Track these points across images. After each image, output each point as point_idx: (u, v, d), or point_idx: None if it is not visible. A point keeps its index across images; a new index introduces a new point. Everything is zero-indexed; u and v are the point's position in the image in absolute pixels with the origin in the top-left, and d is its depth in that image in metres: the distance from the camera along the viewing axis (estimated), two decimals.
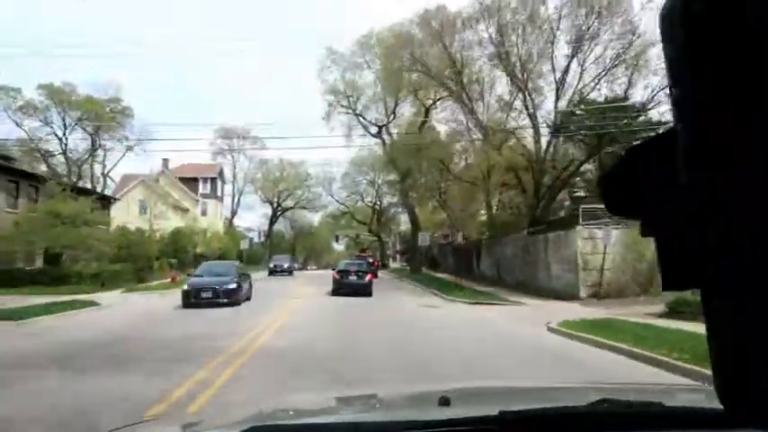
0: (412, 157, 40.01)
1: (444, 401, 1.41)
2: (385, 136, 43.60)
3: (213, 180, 59.93)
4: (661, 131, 0.49)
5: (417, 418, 1.44)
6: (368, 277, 26.88)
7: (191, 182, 59.31)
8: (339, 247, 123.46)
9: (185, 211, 57.20)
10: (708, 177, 0.41)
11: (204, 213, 59.52)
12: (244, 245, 53.15)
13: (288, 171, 70.13)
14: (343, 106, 44.18)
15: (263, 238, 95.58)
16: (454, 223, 43.15)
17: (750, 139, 0.40)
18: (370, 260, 50.80)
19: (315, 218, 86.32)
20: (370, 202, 73.38)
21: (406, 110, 43.06)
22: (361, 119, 45.14)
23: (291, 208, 73.22)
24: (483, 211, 46.57)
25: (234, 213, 72.87)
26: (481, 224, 41.80)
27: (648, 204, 0.48)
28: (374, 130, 44.78)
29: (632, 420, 1.24)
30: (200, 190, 59.63)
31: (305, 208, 73.53)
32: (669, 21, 0.43)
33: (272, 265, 51.64)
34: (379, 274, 44.85)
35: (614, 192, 0.54)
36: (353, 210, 75.88)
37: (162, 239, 43.09)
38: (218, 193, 62.00)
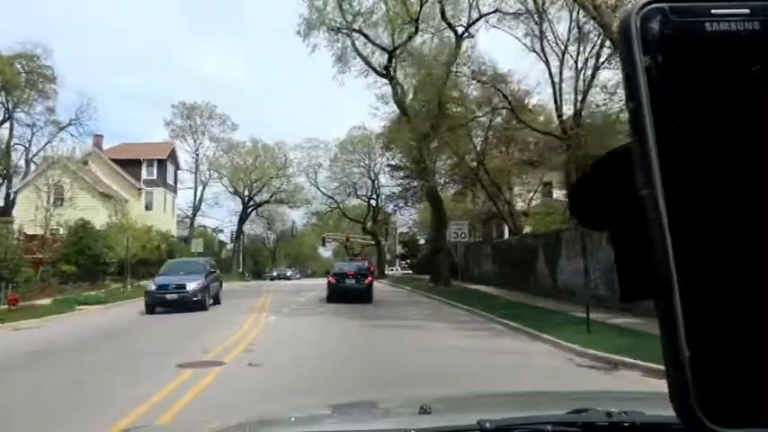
0: (435, 114, 26.45)
1: (425, 410, 1.39)
2: (398, 74, 29.02)
3: (161, 164, 45.90)
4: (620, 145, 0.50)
5: (397, 426, 1.43)
6: (367, 280, 23.13)
7: (131, 166, 45.32)
8: (326, 252, 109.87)
9: (126, 201, 43.14)
10: (662, 189, 0.42)
11: (149, 207, 45.38)
12: (196, 247, 39.09)
13: (262, 156, 56.16)
14: (332, 27, 28.81)
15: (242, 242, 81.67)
16: (500, 211, 29.38)
17: (706, 151, 0.42)
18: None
19: (295, 215, 71.87)
20: (365, 195, 59.58)
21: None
22: (360, 43, 29.77)
23: (267, 202, 59.06)
24: (536, 195, 33.04)
25: (196, 210, 58.81)
26: (538, 216, 28.24)
27: (610, 218, 0.49)
28: (381, 60, 29.48)
29: (611, 429, 1.23)
30: (144, 175, 45.63)
31: (283, 202, 59.43)
32: (625, 37, 0.44)
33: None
34: (376, 283, 31.85)
35: (581, 204, 0.56)
36: (344, 206, 61.96)
37: (64, 240, 29.24)
38: (169, 181, 47.87)
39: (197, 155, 57.04)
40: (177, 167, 50.89)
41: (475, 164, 29.01)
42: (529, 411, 1.57)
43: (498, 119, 26.32)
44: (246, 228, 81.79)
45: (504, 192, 29.22)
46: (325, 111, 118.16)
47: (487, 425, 1.17)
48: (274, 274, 60.26)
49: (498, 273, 29.20)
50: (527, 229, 28.31)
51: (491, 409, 1.50)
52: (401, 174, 58.28)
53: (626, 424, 1.27)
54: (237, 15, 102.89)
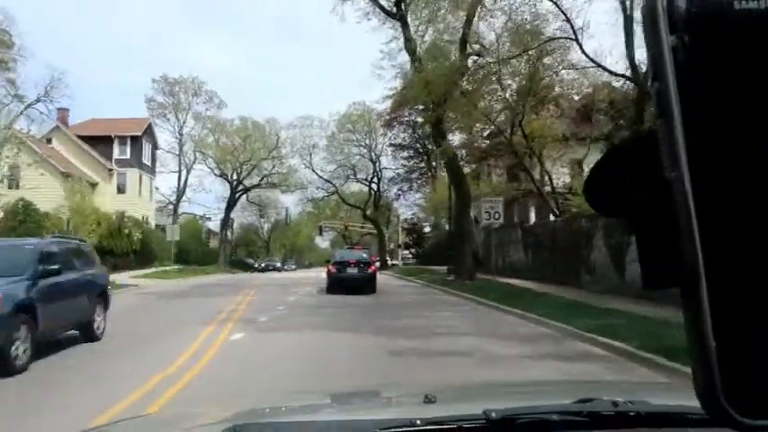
0: (457, 63, 21.13)
1: (429, 399, 1.40)
2: (410, 21, 23.22)
3: (136, 141, 40.43)
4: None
5: (402, 416, 1.37)
6: (370, 269, 21.34)
7: (102, 144, 39.89)
8: (324, 242, 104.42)
9: (94, 185, 37.84)
10: (689, 173, 0.41)
11: (122, 189, 40.01)
12: (172, 235, 33.78)
13: (252, 135, 50.65)
14: None
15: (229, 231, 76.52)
16: (539, 189, 24.02)
17: (734, 133, 0.41)
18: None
19: (289, 201, 66.56)
20: (365, 179, 54.23)
21: None
22: None
23: (257, 186, 53.64)
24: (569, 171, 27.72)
25: (180, 195, 53.39)
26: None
27: (631, 203, 0.49)
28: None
29: (617, 419, 1.24)
30: (116, 154, 40.20)
31: (275, 186, 53.99)
32: (651, 15, 0.43)
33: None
34: (380, 276, 26.98)
35: (598, 191, 0.55)
36: (342, 192, 56.64)
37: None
38: (146, 161, 42.42)
39: (181, 135, 51.55)
40: (155, 146, 45.40)
41: (507, 130, 23.66)
42: (535, 401, 1.60)
43: (546, 60, 20.81)
44: (238, 216, 76.64)
45: (539, 163, 23.92)
46: (322, 84, 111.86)
47: (493, 414, 1.17)
48: (263, 264, 55.20)
49: (531, 263, 24.04)
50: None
51: (497, 399, 1.48)
52: (405, 154, 52.99)
53: (632, 413, 1.27)
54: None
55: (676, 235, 0.42)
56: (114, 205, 38.55)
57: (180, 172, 53.12)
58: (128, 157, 40.46)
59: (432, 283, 24.74)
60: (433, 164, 49.74)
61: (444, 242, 42.45)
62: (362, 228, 73.07)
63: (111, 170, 39.61)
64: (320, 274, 37.63)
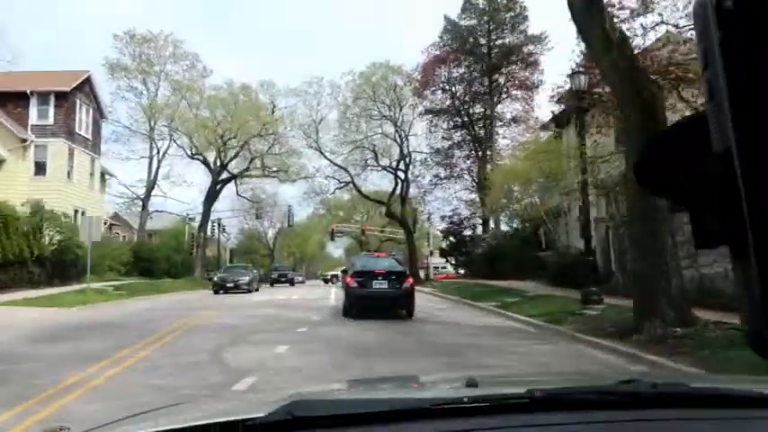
0: None
1: (471, 383, 1.45)
2: None
3: (63, 99, 27.97)
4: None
5: (448, 395, 1.44)
6: (406, 283, 14.88)
7: (15, 104, 27.58)
8: (337, 250, 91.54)
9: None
10: (738, 150, 0.45)
11: (41, 169, 27.64)
12: (88, 235, 21.07)
13: (240, 102, 38.01)
14: None
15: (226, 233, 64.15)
16: None
17: None
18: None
19: (292, 197, 53.55)
20: (390, 167, 41.24)
21: None
22: None
23: (246, 172, 40.83)
24: None
25: (151, 186, 40.90)
26: None
27: (682, 180, 0.54)
28: None
29: (658, 399, 1.26)
30: (33, 119, 27.78)
31: (271, 172, 41.12)
32: (701, 11, 0.47)
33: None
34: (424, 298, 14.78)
35: (650, 172, 0.58)
36: (359, 184, 43.52)
37: None
38: (81, 131, 29.91)
39: (151, 108, 38.99)
40: (101, 114, 32.87)
41: None
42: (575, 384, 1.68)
43: None
44: (237, 220, 64.65)
45: None
46: (333, 44, 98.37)
47: (537, 393, 1.21)
48: (275, 275, 42.97)
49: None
50: None
51: (538, 385, 1.46)
52: (445, 125, 40.08)
53: (671, 394, 1.30)
54: None
55: (725, 202, 0.46)
56: (29, 191, 26.21)
57: (151, 157, 40.72)
58: (50, 122, 27.98)
59: (584, 334, 11.52)
60: (483, 130, 36.95)
61: (508, 248, 29.42)
62: (382, 232, 60.75)
63: (24, 140, 27.17)
64: (328, 291, 25.08)
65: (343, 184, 42.40)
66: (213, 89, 39.42)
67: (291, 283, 42.32)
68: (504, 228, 34.81)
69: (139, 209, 42.43)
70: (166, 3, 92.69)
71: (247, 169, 39.72)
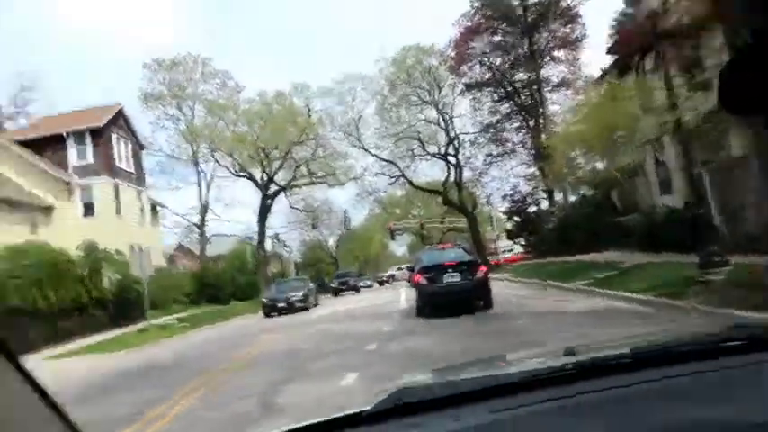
0: None
1: (569, 352, 1.45)
2: None
3: (98, 136, 27.54)
4: None
5: (547, 365, 1.39)
6: (479, 272, 13.71)
7: (53, 148, 27.35)
8: (399, 248, 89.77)
9: (47, 209, 25.50)
10: None
11: (90, 210, 27.27)
12: (141, 269, 20.29)
13: (276, 111, 36.93)
14: None
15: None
16: None
17: None
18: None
19: (344, 199, 52.45)
20: (440, 152, 39.22)
21: None
22: None
23: (293, 183, 39.77)
24: None
25: (204, 211, 40.47)
26: None
27: None
28: None
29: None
30: (73, 160, 27.45)
31: (317, 178, 39.87)
32: None
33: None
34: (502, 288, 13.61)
35: (734, 91, 0.56)
36: (410, 176, 41.59)
37: None
38: (122, 165, 29.47)
39: (191, 133, 38.47)
40: (140, 146, 32.46)
41: None
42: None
43: None
44: (297, 233, 64.05)
45: None
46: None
47: (640, 351, 1.24)
48: (335, 283, 39.81)
49: None
50: None
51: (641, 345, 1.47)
52: (488, 100, 37.64)
53: None
54: None
55: None
56: (82, 234, 25.81)
57: (199, 183, 40.28)
58: (90, 161, 27.60)
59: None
60: (530, 99, 34.39)
61: (579, 218, 26.88)
62: (442, 223, 58.68)
63: (68, 183, 26.87)
64: (393, 295, 23.55)
65: (394, 179, 40.68)
66: (247, 102, 38.62)
67: (356, 289, 38.41)
68: (571, 197, 32.16)
69: (198, 236, 42.18)
70: (188, 23, 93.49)
71: (294, 178, 38.59)
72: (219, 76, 39.29)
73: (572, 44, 34.05)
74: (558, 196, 34.41)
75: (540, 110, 34.39)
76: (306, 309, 23.91)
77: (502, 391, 1.16)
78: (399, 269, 50.24)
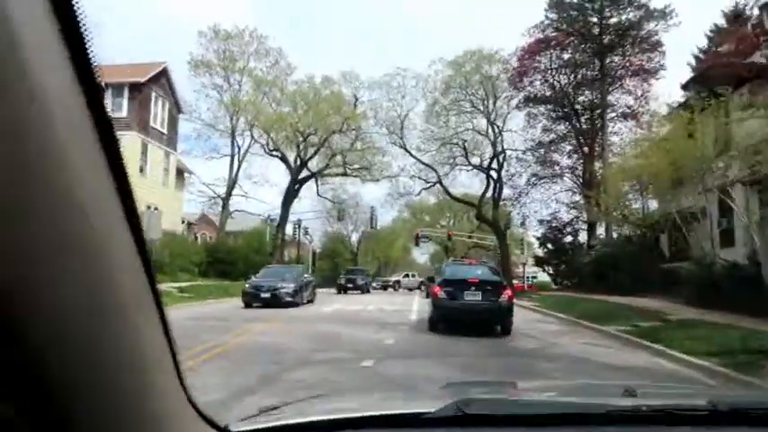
0: None
1: (630, 392, 1.43)
2: None
3: (137, 91, 26.60)
4: None
5: (606, 402, 1.35)
6: (503, 296, 12.79)
7: None
8: (422, 256, 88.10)
9: None
10: None
11: None
12: (148, 229, 19.04)
13: (322, 96, 35.71)
14: None
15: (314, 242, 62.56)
16: None
17: None
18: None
19: (374, 196, 51.38)
20: (482, 164, 37.48)
21: None
22: None
23: (325, 171, 38.44)
24: None
25: (231, 185, 39.48)
26: None
27: None
28: None
29: None
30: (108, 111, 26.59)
31: (348, 173, 38.47)
32: None
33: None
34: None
35: None
36: (447, 184, 39.92)
37: None
38: (157, 125, 28.56)
39: (234, 104, 37.51)
40: (178, 109, 31.55)
41: None
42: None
43: None
44: (321, 222, 63.10)
45: None
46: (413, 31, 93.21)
47: (720, 405, 1.16)
48: (342, 280, 36.88)
49: None
50: None
51: (698, 398, 1.41)
52: (545, 115, 35.63)
53: None
54: None
55: None
56: None
57: (232, 156, 39.31)
58: (123, 114, 26.68)
59: None
60: (589, 123, 32.28)
61: (624, 258, 24.76)
62: (470, 238, 56.99)
63: None
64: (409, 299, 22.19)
65: (429, 185, 39.02)
66: (294, 84, 37.49)
67: (365, 290, 35.13)
68: (613, 234, 30.03)
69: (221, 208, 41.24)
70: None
71: (327, 166, 37.28)
72: (273, 55, 38.38)
73: (646, 73, 31.79)
74: (600, 230, 32.29)
75: (599, 137, 32.28)
76: (296, 305, 19.56)
77: (571, 421, 1.13)
78: (406, 276, 48.40)
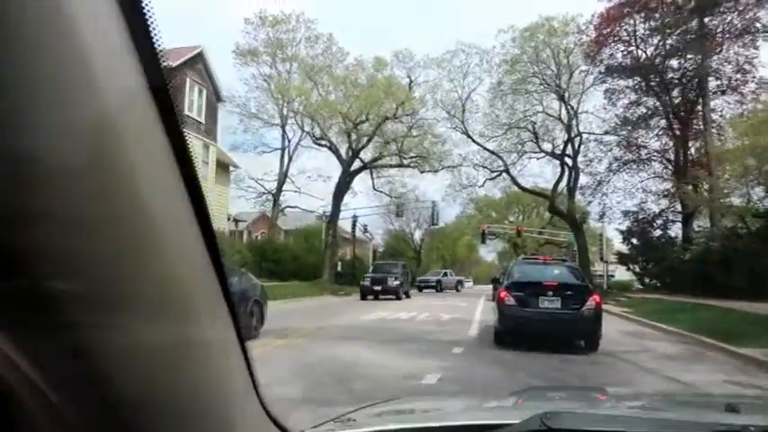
0: None
1: (732, 408, 1.33)
2: None
3: (171, 76, 24.63)
4: None
5: (706, 420, 1.29)
6: (590, 301, 10.17)
7: None
8: (489, 254, 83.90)
9: None
10: None
11: None
12: None
13: (373, 78, 32.65)
14: None
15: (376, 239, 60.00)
16: None
17: None
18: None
19: (434, 188, 47.61)
20: (554, 152, 33.34)
21: None
22: None
23: (378, 161, 35.27)
24: None
25: (282, 180, 37.14)
26: None
27: None
28: None
29: None
30: None
31: (404, 164, 35.14)
32: None
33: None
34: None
35: None
36: (513, 170, 35.85)
37: None
38: (192, 113, 26.34)
39: (282, 95, 35.10)
40: (217, 97, 29.27)
41: None
42: None
43: None
44: (382, 219, 60.41)
45: None
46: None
47: None
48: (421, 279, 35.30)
49: None
50: None
51: None
52: (633, 88, 30.85)
53: None
54: None
55: None
56: None
57: (282, 149, 36.98)
58: None
59: None
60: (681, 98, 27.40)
61: (743, 254, 20.22)
62: (540, 234, 53.00)
63: None
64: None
65: (495, 174, 35.13)
66: (344, 68, 34.61)
67: (396, 293, 25.41)
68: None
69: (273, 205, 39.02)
70: None
71: (381, 156, 34.10)
72: (323, 40, 35.69)
73: (752, 35, 26.33)
74: (701, 222, 27.50)
75: (699, 111, 27.30)
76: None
77: None
78: (445, 275, 43.97)
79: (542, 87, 31.36)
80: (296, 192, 39.11)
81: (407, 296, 27.03)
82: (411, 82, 33.25)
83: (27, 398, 0.60)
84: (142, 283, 0.60)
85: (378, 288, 25.08)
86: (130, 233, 0.56)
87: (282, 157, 36.66)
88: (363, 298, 24.95)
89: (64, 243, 0.51)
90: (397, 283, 25.75)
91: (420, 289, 36.65)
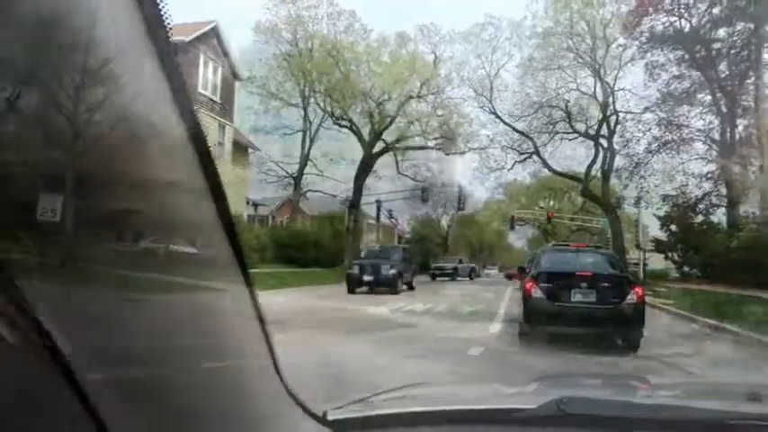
0: None
1: (754, 397, 1.34)
2: None
3: (182, 50, 23.52)
4: None
5: (728, 408, 1.29)
6: (631, 295, 8.93)
7: None
8: (518, 241, 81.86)
9: None
10: None
11: None
12: None
13: (396, 55, 31.17)
14: None
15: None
16: None
17: None
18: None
19: (459, 169, 46.00)
20: (588, 131, 31.44)
21: None
22: None
23: (400, 144, 33.74)
24: None
25: (303, 164, 36.09)
26: None
27: None
28: None
29: None
30: None
31: (428, 145, 33.62)
32: None
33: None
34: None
35: None
36: (543, 153, 34.02)
37: None
38: (206, 91, 25.30)
39: (303, 72, 33.88)
40: (234, 75, 28.17)
41: None
42: None
43: None
44: (408, 205, 58.98)
45: None
46: None
47: None
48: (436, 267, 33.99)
49: None
50: None
51: None
52: (676, 61, 28.61)
53: None
54: None
55: None
56: None
57: (304, 131, 35.89)
58: None
59: None
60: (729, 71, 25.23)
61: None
62: (572, 220, 51.16)
63: None
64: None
65: (525, 156, 33.39)
66: (366, 45, 33.16)
67: (392, 285, 20.53)
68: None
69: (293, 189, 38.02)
70: None
71: (404, 137, 32.66)
72: (346, 16, 34.29)
73: None
74: (747, 207, 25.45)
75: (749, 85, 25.09)
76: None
77: (683, 428, 1.06)
78: (461, 262, 41.93)
79: (576, 63, 29.47)
80: (318, 175, 38.05)
81: (411, 288, 22.64)
82: (436, 58, 31.66)
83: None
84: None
85: (369, 278, 20.21)
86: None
87: (304, 139, 35.62)
88: (351, 291, 19.86)
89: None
90: (394, 271, 20.68)
91: (433, 277, 34.75)
